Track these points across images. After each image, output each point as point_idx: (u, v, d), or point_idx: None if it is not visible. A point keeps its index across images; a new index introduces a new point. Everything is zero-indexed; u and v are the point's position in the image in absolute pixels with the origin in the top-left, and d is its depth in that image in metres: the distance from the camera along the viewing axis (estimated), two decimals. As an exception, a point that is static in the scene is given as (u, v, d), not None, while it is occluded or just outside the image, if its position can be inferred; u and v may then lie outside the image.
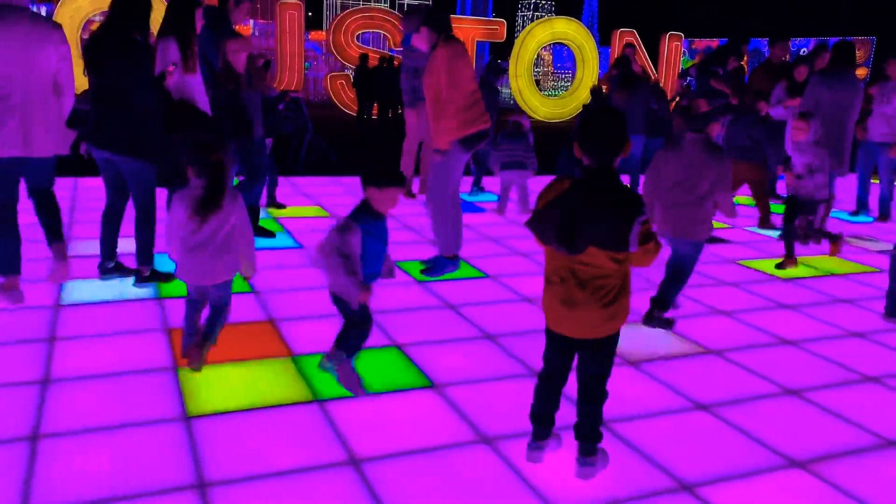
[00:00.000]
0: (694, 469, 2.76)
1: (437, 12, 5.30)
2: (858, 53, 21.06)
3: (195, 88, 4.79)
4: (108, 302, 4.16)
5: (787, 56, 8.71)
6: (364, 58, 15.76)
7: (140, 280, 4.44)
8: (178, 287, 4.40)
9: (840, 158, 6.23)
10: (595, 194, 2.40)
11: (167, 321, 3.93)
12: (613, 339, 2.61)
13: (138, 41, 4.21)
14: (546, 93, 25.78)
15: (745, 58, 8.33)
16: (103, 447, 2.68)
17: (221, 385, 3.22)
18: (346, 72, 17.56)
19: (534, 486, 2.59)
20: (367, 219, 3.01)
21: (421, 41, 5.40)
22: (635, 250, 2.42)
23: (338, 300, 3.15)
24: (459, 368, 3.48)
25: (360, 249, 2.98)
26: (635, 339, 4.00)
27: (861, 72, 7.68)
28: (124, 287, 4.41)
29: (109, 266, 4.50)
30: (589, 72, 18.32)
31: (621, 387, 3.39)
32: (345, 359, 3.18)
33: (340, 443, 2.81)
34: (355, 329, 3.17)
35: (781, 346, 4.07)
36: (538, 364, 2.81)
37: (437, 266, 5.03)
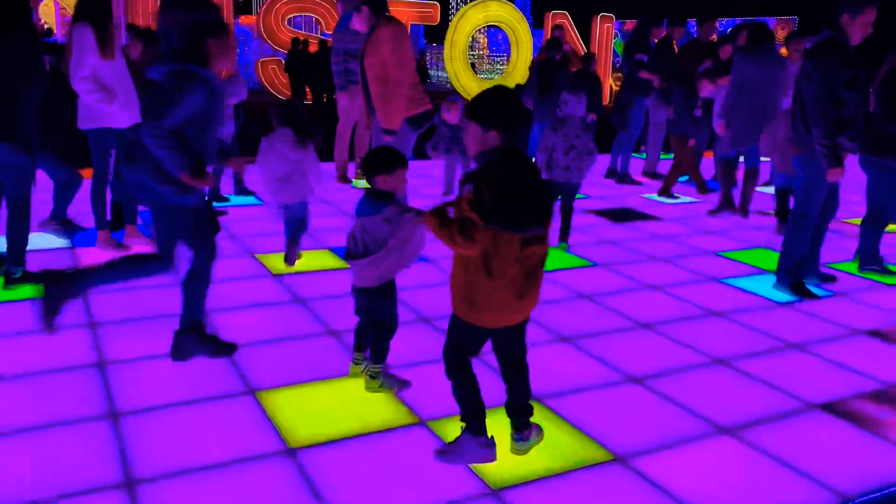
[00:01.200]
0: (627, 440, 2.81)
1: None
2: (781, 33, 21.70)
3: (114, 75, 4.61)
4: (27, 299, 3.99)
5: (715, 36, 8.88)
6: (296, 42, 15.50)
7: (9, 283, 4.12)
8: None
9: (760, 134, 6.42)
10: (528, 169, 2.39)
11: (91, 316, 3.80)
12: None
13: (19, 25, 3.98)
14: (482, 75, 25.85)
15: (675, 40, 8.40)
16: (24, 449, 2.57)
17: (151, 380, 3.14)
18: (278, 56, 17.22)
19: (470, 465, 2.59)
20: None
21: (361, 21, 5.32)
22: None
23: (367, 308, 3.04)
24: (395, 352, 3.44)
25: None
26: (568, 315, 4.06)
27: (784, 51, 7.90)
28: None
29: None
30: (523, 54, 18.39)
31: (554, 362, 3.43)
32: (383, 366, 3.11)
33: (274, 432, 2.76)
34: (387, 332, 3.07)
35: (710, 318, 4.18)
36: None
37: None
